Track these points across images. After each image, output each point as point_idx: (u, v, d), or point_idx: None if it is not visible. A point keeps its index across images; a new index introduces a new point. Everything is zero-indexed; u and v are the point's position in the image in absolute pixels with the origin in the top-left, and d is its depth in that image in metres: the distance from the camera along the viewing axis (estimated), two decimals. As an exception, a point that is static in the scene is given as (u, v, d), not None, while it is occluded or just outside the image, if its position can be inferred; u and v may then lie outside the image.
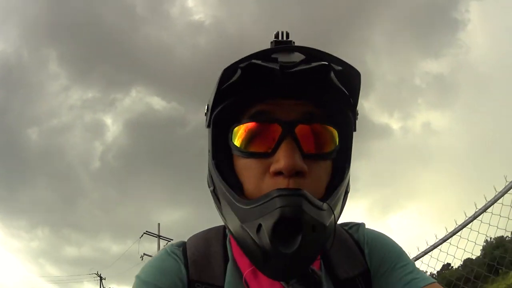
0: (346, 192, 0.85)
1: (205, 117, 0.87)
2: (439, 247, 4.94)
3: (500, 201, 4.52)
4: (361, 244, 0.96)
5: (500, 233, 5.03)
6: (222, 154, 0.83)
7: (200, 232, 0.97)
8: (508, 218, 4.43)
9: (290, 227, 0.69)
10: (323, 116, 0.80)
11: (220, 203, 0.82)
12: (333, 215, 0.77)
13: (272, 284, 0.81)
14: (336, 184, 0.81)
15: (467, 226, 4.80)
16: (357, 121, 0.86)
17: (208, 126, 0.84)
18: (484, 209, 4.63)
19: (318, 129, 0.79)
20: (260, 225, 0.70)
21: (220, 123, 0.82)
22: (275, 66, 0.74)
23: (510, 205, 4.43)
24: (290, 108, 0.78)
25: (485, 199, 4.59)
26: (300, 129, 0.76)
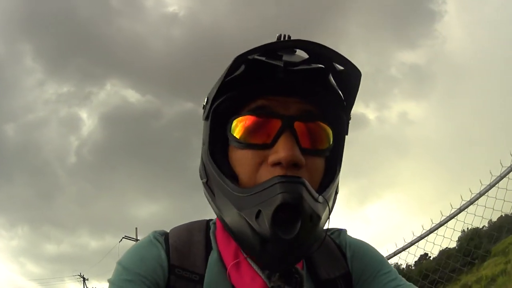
0: (336, 193, 0.86)
1: (203, 110, 0.89)
2: (416, 244, 5.00)
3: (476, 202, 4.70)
4: (343, 249, 0.97)
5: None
6: (217, 146, 0.84)
7: (183, 224, 0.97)
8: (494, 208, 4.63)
9: (289, 214, 0.70)
10: (320, 115, 0.82)
11: (214, 194, 0.83)
12: (327, 208, 0.79)
13: (253, 278, 0.81)
14: (328, 182, 0.83)
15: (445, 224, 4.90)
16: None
17: (207, 118, 0.85)
18: (459, 211, 4.83)
19: (315, 126, 0.81)
20: (259, 211, 0.71)
21: (218, 116, 0.83)
22: (279, 64, 0.77)
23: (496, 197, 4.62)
24: (289, 104, 0.80)
25: (460, 199, 4.78)
26: (298, 125, 0.78)
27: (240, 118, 0.81)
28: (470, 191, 4.92)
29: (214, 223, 0.94)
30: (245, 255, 0.84)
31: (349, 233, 1.04)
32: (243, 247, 0.80)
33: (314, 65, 0.79)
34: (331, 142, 0.84)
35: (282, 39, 0.85)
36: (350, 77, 0.81)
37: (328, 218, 0.82)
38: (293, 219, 0.71)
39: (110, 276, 0.86)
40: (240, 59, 0.77)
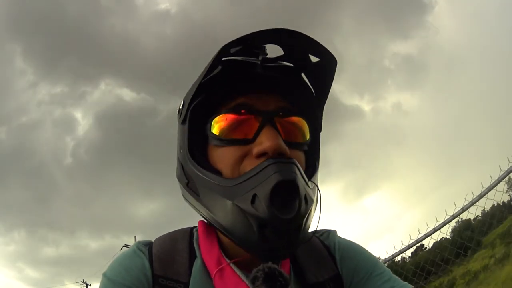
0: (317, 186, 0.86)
1: (178, 115, 0.89)
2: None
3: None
4: (332, 250, 0.96)
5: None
6: (195, 147, 0.84)
7: (167, 233, 0.97)
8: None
9: (286, 195, 0.70)
10: (296, 110, 0.84)
11: (198, 194, 0.82)
12: (318, 193, 0.81)
13: (237, 284, 0.81)
14: (310, 174, 0.84)
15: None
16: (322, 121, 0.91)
17: (184, 122, 0.85)
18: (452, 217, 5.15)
19: (293, 121, 0.82)
20: (254, 195, 0.71)
21: (196, 118, 0.84)
22: (256, 61, 0.80)
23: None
24: (267, 101, 0.81)
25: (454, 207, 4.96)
26: (279, 119, 0.80)
27: (220, 116, 0.81)
28: (472, 193, 5.21)
29: (197, 230, 0.94)
30: (228, 261, 0.84)
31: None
32: (239, 241, 0.78)
33: (287, 64, 0.82)
34: (308, 136, 0.85)
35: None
36: (325, 68, 0.82)
37: (319, 210, 0.83)
38: (290, 199, 0.71)
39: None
40: (218, 59, 0.78)
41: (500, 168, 5.04)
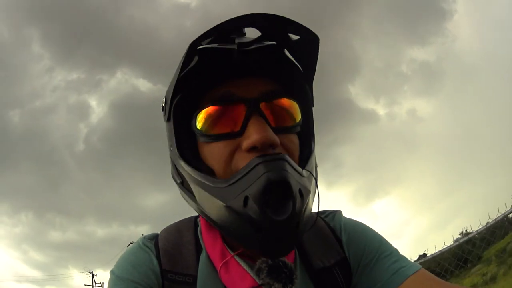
0: (316, 165, 0.84)
1: (162, 112, 0.86)
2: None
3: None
4: (338, 233, 0.94)
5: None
6: (185, 145, 0.81)
7: (172, 224, 0.96)
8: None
9: (279, 194, 0.68)
10: (283, 91, 0.81)
11: (193, 194, 0.80)
12: (313, 181, 0.78)
13: (243, 276, 0.81)
14: (306, 157, 0.82)
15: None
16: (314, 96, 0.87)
17: (169, 119, 0.83)
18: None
19: (281, 103, 0.79)
20: (246, 198, 0.69)
21: (180, 114, 0.81)
22: (233, 47, 0.74)
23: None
24: (251, 87, 0.78)
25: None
26: (264, 106, 0.77)
27: (203, 111, 0.78)
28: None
29: (200, 221, 0.93)
30: (232, 253, 0.83)
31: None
32: (237, 240, 0.77)
33: (267, 42, 0.77)
34: (300, 117, 0.82)
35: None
36: (308, 44, 0.79)
37: (317, 192, 0.80)
38: (283, 198, 0.68)
39: (114, 264, 0.89)
40: (193, 49, 0.74)
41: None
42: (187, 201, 0.85)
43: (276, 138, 0.74)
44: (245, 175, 0.70)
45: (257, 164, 0.69)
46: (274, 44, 0.78)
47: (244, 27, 0.80)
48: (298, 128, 0.83)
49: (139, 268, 0.84)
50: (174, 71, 0.81)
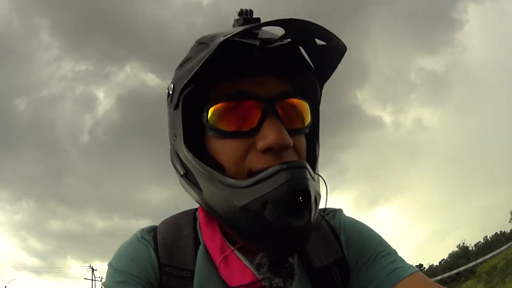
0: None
1: (167, 99, 0.85)
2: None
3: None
4: (337, 231, 0.94)
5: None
6: (191, 136, 0.80)
7: (171, 216, 0.95)
8: None
9: (296, 201, 0.70)
10: (297, 91, 0.81)
11: (199, 187, 0.79)
12: (324, 186, 0.80)
13: (242, 271, 0.81)
14: (314, 159, 0.83)
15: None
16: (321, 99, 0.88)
17: (176, 107, 0.80)
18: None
19: (296, 104, 0.79)
20: (265, 202, 0.69)
21: (189, 104, 0.79)
22: (255, 42, 0.74)
23: None
24: (267, 85, 0.77)
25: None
26: (280, 105, 0.76)
27: (217, 105, 0.76)
28: None
29: (199, 214, 0.92)
30: (232, 248, 0.83)
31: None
32: (248, 240, 0.78)
33: (286, 40, 0.77)
34: (310, 118, 0.82)
35: (244, 14, 0.81)
36: (332, 51, 0.79)
37: (325, 194, 0.81)
38: (302, 205, 0.71)
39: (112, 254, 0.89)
40: (223, 44, 0.71)
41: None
42: (190, 193, 0.84)
43: (290, 141, 0.74)
44: (266, 179, 0.71)
45: (280, 171, 0.70)
46: (291, 41, 0.77)
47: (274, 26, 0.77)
48: (307, 130, 0.83)
49: (137, 262, 0.84)
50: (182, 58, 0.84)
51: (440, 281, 6.20)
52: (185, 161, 0.81)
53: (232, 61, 0.76)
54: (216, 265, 0.82)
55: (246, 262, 0.82)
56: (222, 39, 0.71)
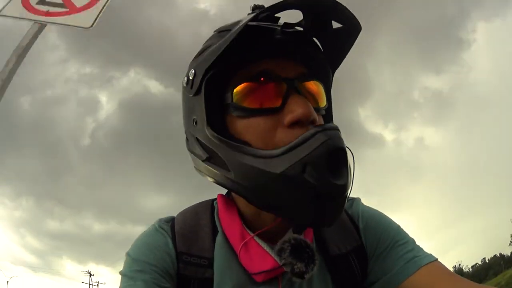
0: None
1: (186, 85, 0.84)
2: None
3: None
4: (355, 220, 0.94)
5: None
6: (213, 119, 0.79)
7: (189, 206, 0.96)
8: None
9: (335, 161, 0.69)
10: (314, 74, 0.82)
11: (228, 169, 0.76)
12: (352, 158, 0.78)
13: (263, 257, 0.81)
14: None
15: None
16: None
17: (197, 92, 0.80)
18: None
19: (314, 86, 0.80)
20: (305, 164, 0.68)
21: (211, 88, 0.79)
22: (276, 27, 0.77)
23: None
24: (287, 67, 0.78)
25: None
26: (301, 85, 0.78)
27: (242, 85, 0.77)
28: None
29: (217, 203, 0.92)
30: (251, 234, 0.83)
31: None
32: (284, 213, 0.73)
33: (300, 28, 0.79)
34: (325, 102, 0.83)
35: (258, 8, 0.81)
36: (346, 34, 0.80)
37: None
38: (340, 166, 0.70)
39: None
40: (244, 30, 0.72)
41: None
42: (213, 177, 0.81)
43: (316, 115, 0.74)
44: (302, 143, 0.69)
45: (317, 132, 0.69)
46: (311, 25, 0.78)
47: (298, 9, 0.77)
48: (324, 111, 0.83)
49: (155, 251, 0.84)
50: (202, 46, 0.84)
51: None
52: (208, 144, 0.79)
53: (254, 45, 0.77)
54: (236, 252, 0.83)
55: (267, 248, 0.82)
56: (246, 20, 0.72)
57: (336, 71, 0.87)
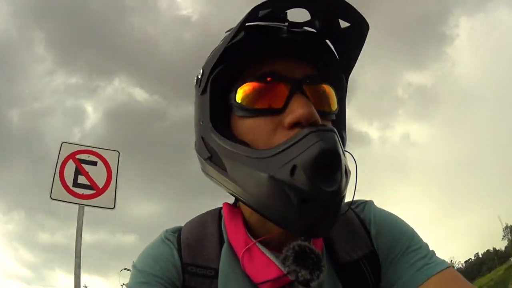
0: None
1: (196, 85, 0.83)
2: None
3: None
4: (367, 225, 0.90)
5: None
6: (218, 119, 0.78)
7: (196, 216, 0.94)
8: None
9: (327, 165, 0.65)
10: (323, 77, 0.79)
11: (225, 169, 0.76)
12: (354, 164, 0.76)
13: (267, 264, 0.78)
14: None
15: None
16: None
17: (204, 92, 0.79)
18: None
19: (322, 89, 0.77)
20: (294, 166, 0.65)
21: (216, 87, 0.78)
22: (283, 26, 0.75)
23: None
24: (294, 68, 0.76)
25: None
26: (307, 87, 0.75)
27: (245, 84, 0.75)
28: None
29: (223, 211, 0.90)
30: (254, 240, 0.81)
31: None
32: (275, 217, 0.70)
33: (312, 29, 0.77)
34: (336, 106, 0.80)
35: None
36: (355, 33, 0.77)
37: (355, 180, 0.78)
38: (332, 170, 0.66)
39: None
40: (242, 26, 0.72)
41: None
42: (214, 177, 0.81)
43: (318, 116, 0.71)
44: (294, 143, 0.67)
45: (309, 133, 0.66)
46: (319, 31, 0.77)
47: (301, 7, 0.75)
48: (334, 116, 0.80)
49: (160, 262, 0.84)
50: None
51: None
52: (209, 143, 0.78)
53: (259, 44, 0.76)
54: (240, 260, 0.80)
55: (271, 256, 0.79)
56: (244, 18, 0.70)
57: None
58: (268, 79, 0.74)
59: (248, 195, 0.72)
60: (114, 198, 3.69)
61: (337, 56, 0.81)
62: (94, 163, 3.76)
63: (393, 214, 0.94)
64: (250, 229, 0.85)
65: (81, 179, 3.64)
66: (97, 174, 3.71)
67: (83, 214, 3.52)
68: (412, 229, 0.91)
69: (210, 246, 0.85)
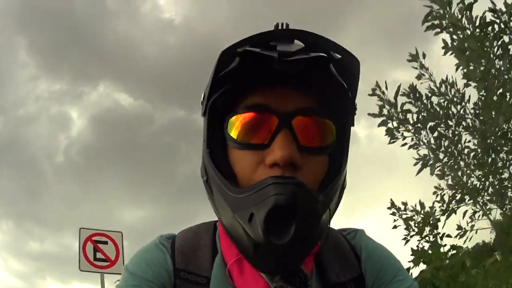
0: (343, 188, 0.81)
1: (201, 105, 0.83)
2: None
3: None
4: (358, 251, 0.92)
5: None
6: (217, 144, 0.79)
7: (191, 226, 0.95)
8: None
9: (283, 217, 0.66)
10: (320, 108, 0.77)
11: (213, 193, 0.78)
12: (328, 209, 0.75)
13: (256, 279, 0.78)
14: (331, 178, 0.77)
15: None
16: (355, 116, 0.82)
17: (204, 114, 0.81)
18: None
19: (316, 122, 0.76)
20: (252, 214, 0.67)
21: (216, 112, 0.79)
22: (274, 54, 0.70)
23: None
24: (287, 98, 0.75)
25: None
26: (297, 121, 0.73)
27: (235, 116, 0.75)
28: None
29: (218, 224, 0.90)
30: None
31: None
32: (238, 249, 0.76)
33: (313, 54, 0.72)
34: (334, 137, 0.77)
35: (280, 27, 0.79)
36: (349, 66, 0.75)
37: (335, 211, 0.78)
38: (287, 222, 0.66)
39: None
40: (228, 53, 0.72)
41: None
42: (208, 198, 0.83)
43: (297, 158, 0.70)
44: (256, 191, 0.68)
45: (270, 184, 0.67)
46: (320, 56, 0.73)
47: (286, 39, 0.74)
48: (329, 150, 0.78)
49: (153, 266, 0.83)
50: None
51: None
52: (206, 166, 0.80)
53: (252, 72, 0.74)
54: (228, 272, 0.81)
55: (261, 272, 0.79)
56: (227, 48, 0.72)
57: None
58: (258, 111, 0.74)
59: (224, 223, 0.77)
60: (123, 265, 5.67)
61: (343, 82, 0.77)
62: (105, 243, 5.47)
63: (383, 246, 0.96)
64: None
65: (99, 255, 5.31)
66: (109, 250, 5.42)
67: (104, 280, 5.18)
68: (399, 262, 0.94)
69: (203, 256, 0.85)
